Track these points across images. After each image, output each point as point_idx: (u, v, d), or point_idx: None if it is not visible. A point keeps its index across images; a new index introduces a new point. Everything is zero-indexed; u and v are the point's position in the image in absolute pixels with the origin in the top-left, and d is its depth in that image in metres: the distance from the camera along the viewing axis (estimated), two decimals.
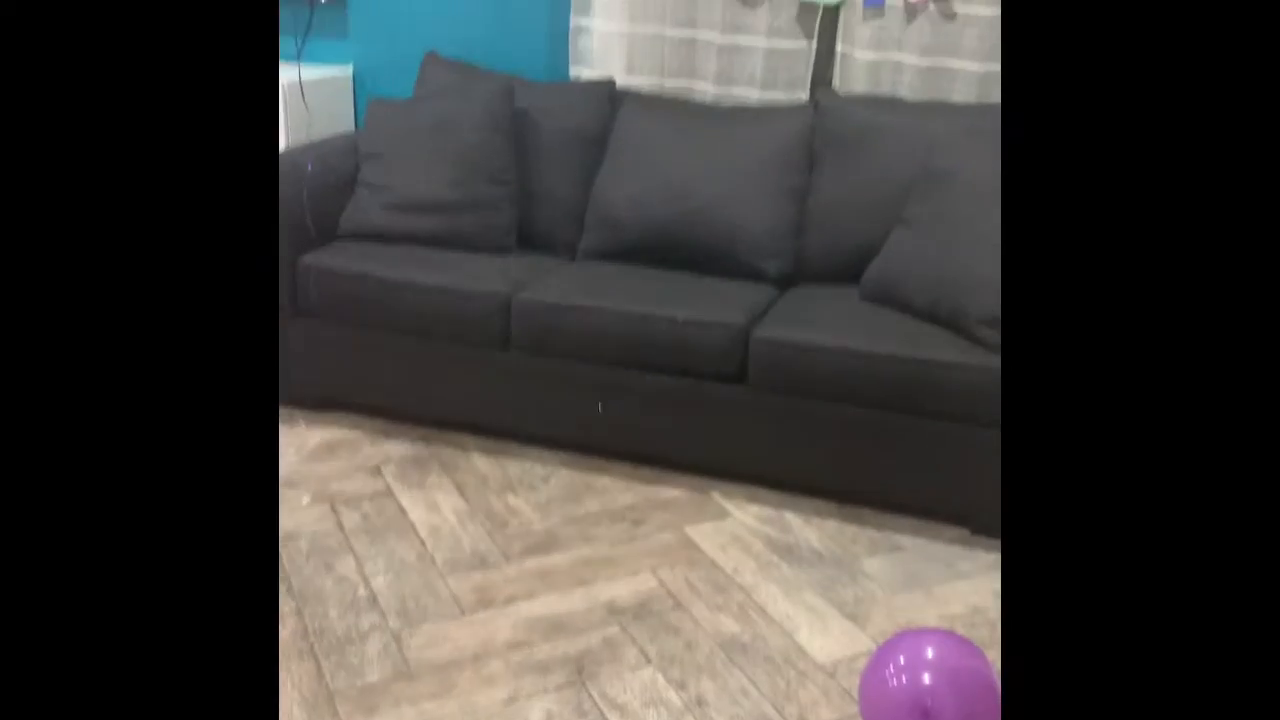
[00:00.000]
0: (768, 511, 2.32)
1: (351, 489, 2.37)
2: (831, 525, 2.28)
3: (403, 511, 2.28)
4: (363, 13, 3.18)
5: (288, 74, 2.99)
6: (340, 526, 2.21)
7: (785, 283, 2.61)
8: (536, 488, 2.40)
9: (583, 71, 2.96)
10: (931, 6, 2.64)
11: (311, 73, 3.10)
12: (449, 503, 2.32)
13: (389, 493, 2.36)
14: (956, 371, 2.14)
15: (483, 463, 2.50)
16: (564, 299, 2.42)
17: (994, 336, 2.16)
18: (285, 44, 3.24)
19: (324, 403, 2.70)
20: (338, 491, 2.35)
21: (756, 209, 2.58)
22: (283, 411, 2.70)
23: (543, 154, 2.79)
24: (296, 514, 2.25)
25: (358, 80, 3.25)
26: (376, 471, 2.45)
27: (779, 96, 2.81)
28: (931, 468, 2.21)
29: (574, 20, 2.93)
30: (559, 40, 3.01)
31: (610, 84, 2.85)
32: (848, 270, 2.55)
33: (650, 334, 2.35)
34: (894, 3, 2.66)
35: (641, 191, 2.66)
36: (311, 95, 3.05)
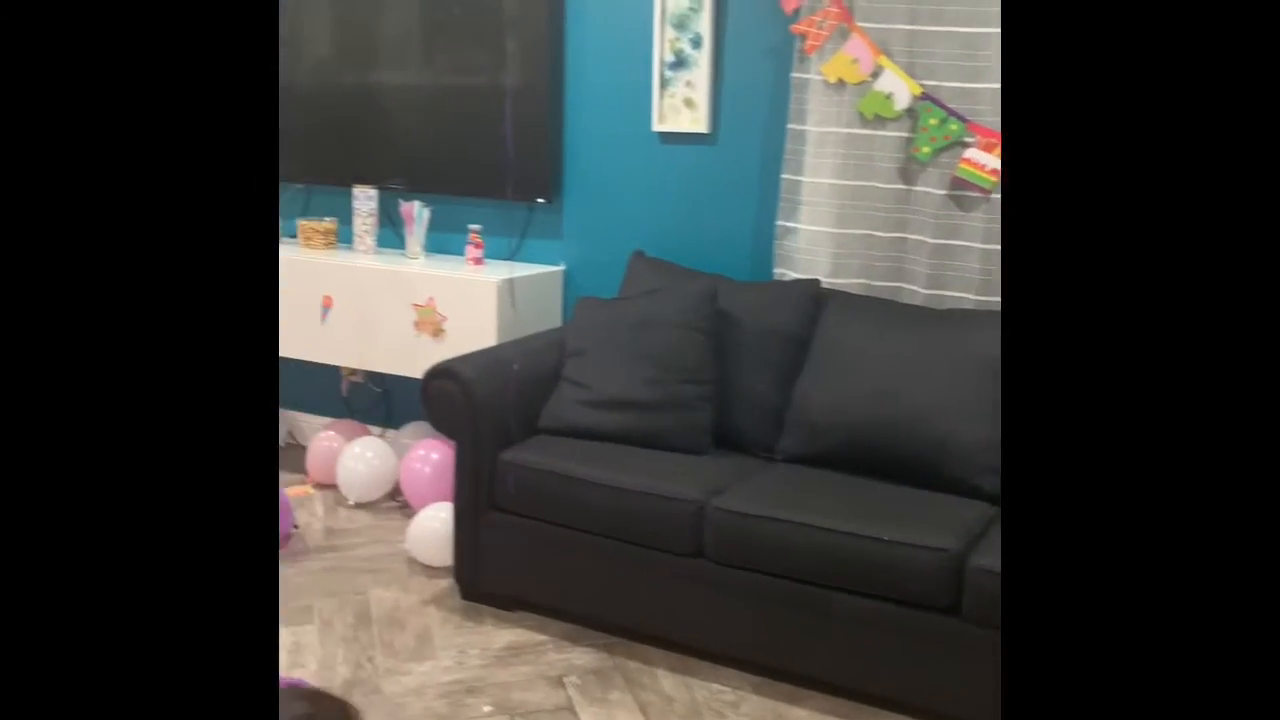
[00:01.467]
0: None
1: (534, 700, 2.27)
2: None
3: None
4: (576, 215, 3.31)
5: (502, 272, 3.13)
6: None
7: None
8: (725, 715, 2.22)
9: (787, 273, 2.93)
10: None
11: (525, 271, 3.23)
12: None
13: (570, 708, 2.24)
14: None
15: (668, 681, 2.35)
16: (761, 509, 2.30)
17: None
18: (502, 245, 3.41)
19: (512, 601, 2.66)
20: (520, 702, 2.26)
21: (970, 419, 2.40)
22: (471, 608, 2.67)
23: (744, 354, 2.74)
24: None
25: (569, 279, 3.35)
26: (559, 683, 2.34)
27: (995, 301, 2.67)
28: None
29: (780, 221, 2.93)
30: (764, 240, 3.00)
31: (815, 283, 2.80)
32: None
33: (854, 552, 2.18)
34: None
35: (844, 395, 2.55)
36: (525, 292, 3.16)
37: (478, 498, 2.61)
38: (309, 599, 2.68)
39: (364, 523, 3.21)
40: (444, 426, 2.65)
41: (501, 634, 2.55)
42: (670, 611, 2.42)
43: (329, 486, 3.39)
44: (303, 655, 2.40)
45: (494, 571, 2.63)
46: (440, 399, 2.62)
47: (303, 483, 3.49)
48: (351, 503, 3.31)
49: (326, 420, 3.76)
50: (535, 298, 3.22)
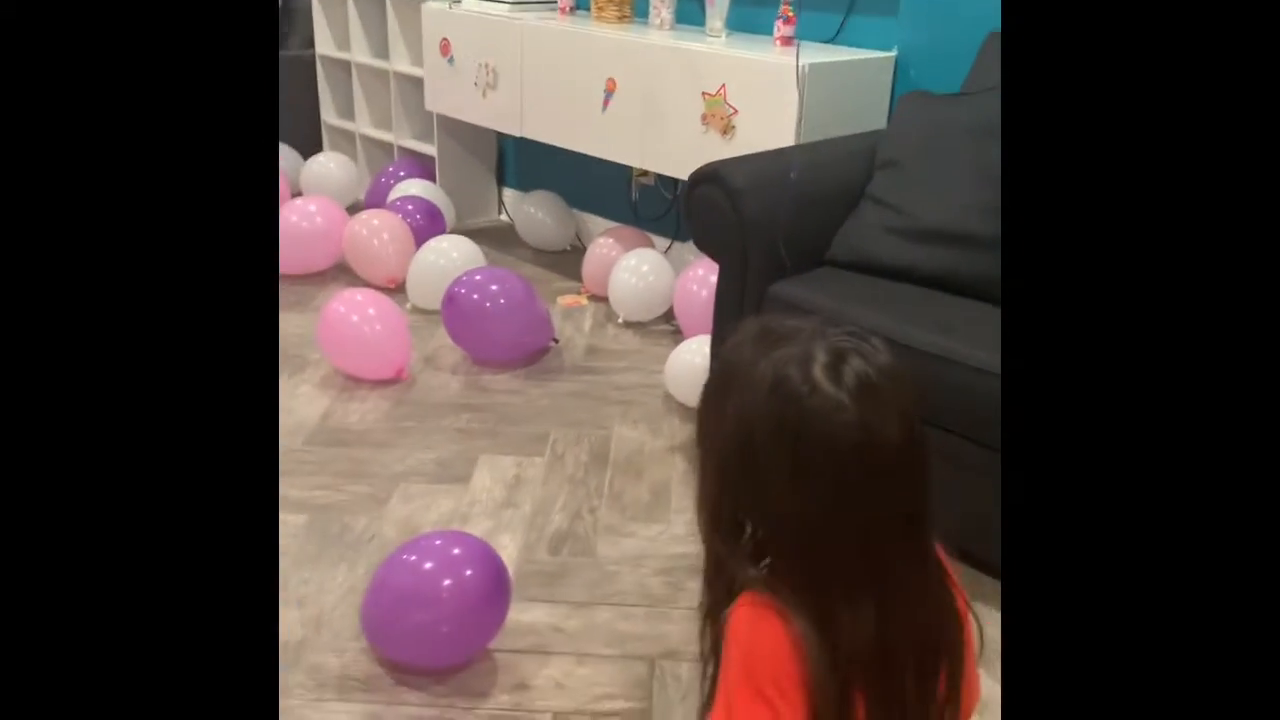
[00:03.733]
0: None
1: None
2: None
3: None
4: None
5: (813, 55, 2.47)
6: None
7: None
8: None
9: None
10: None
11: (843, 55, 2.55)
12: None
13: None
14: None
15: None
16: None
17: None
18: (825, 23, 2.73)
19: None
20: None
21: None
22: None
23: None
24: None
25: (901, 69, 2.62)
26: None
27: None
28: None
29: None
30: None
31: None
32: None
33: None
34: None
35: None
36: (841, 83, 2.50)
37: None
38: (547, 425, 2.36)
39: (630, 345, 2.83)
40: (708, 245, 2.14)
41: None
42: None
43: (603, 299, 3.03)
44: (519, 493, 2.09)
45: None
46: (703, 210, 2.09)
47: (578, 291, 3.17)
48: (620, 320, 2.94)
49: (614, 225, 3.38)
50: (855, 91, 2.55)
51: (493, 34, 3.13)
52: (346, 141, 4.05)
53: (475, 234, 3.67)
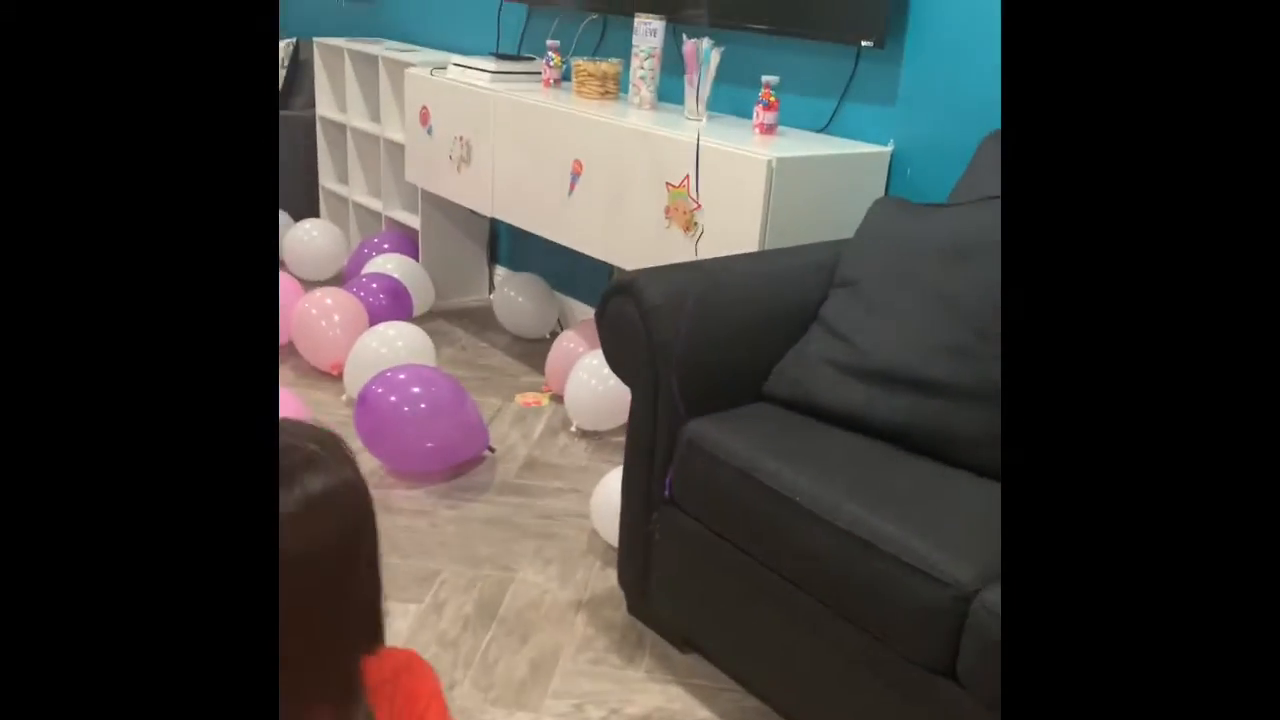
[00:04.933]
0: None
1: None
2: None
3: None
4: (920, 68, 2.19)
5: (791, 147, 2.14)
6: None
7: None
8: None
9: None
10: None
11: (830, 148, 2.20)
12: None
13: None
14: None
15: None
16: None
17: None
18: (816, 109, 2.39)
19: (683, 639, 1.81)
20: None
21: None
22: (632, 629, 1.86)
23: None
24: None
25: (897, 166, 2.27)
26: None
27: None
28: None
29: None
30: None
31: None
32: None
33: None
34: None
35: None
36: (824, 180, 2.15)
37: (650, 480, 1.76)
38: (441, 561, 2.03)
39: (576, 459, 2.49)
40: (619, 368, 1.80)
41: (651, 690, 1.71)
42: None
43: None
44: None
45: (665, 590, 1.78)
46: (614, 327, 1.76)
47: (540, 388, 2.85)
48: (574, 428, 2.61)
49: (591, 316, 3.07)
50: (840, 189, 2.19)
51: (469, 105, 2.88)
52: (343, 207, 3.84)
53: (457, 315, 3.41)
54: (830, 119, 2.37)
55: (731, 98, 2.53)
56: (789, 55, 2.43)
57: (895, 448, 1.62)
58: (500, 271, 3.58)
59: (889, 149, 2.26)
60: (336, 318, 2.83)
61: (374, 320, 2.93)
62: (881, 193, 2.26)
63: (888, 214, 1.85)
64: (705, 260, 1.88)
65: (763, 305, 1.80)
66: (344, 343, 2.78)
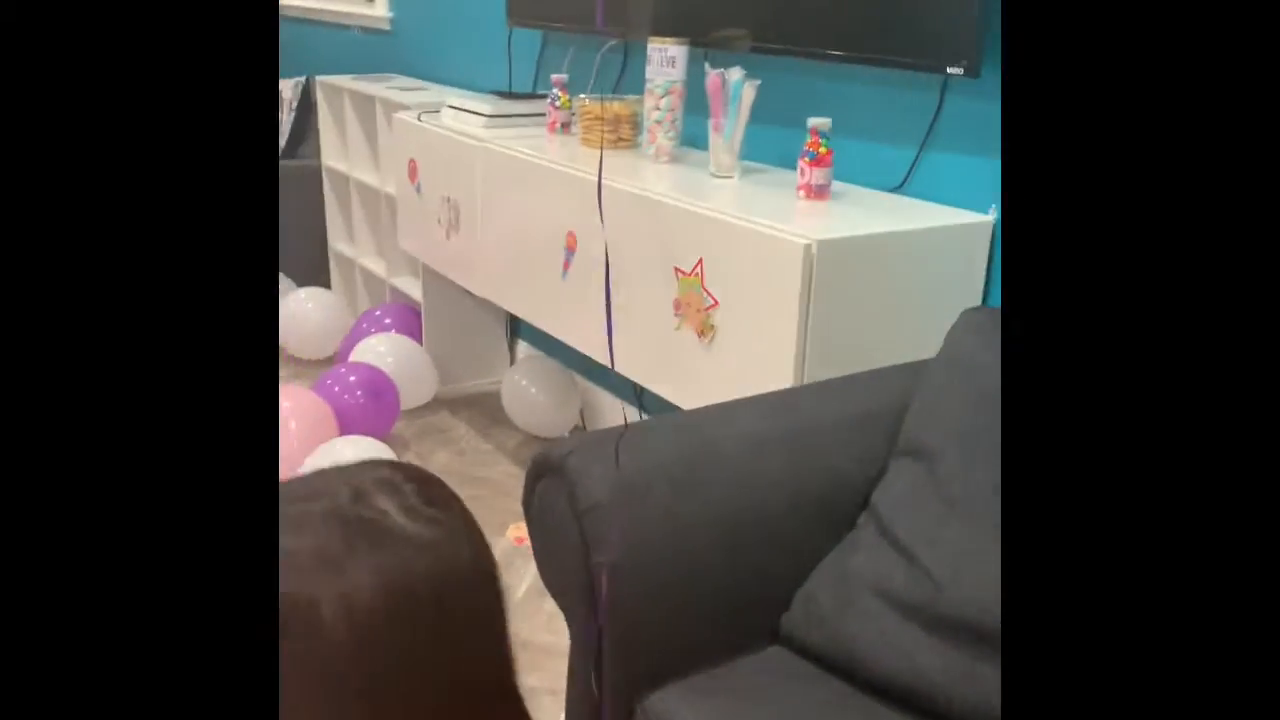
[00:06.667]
0: None
1: None
2: None
3: None
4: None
5: (847, 219, 1.48)
6: None
7: None
8: None
9: None
10: None
11: (894, 223, 1.54)
12: None
13: None
14: None
15: None
16: None
17: None
18: (886, 159, 1.73)
19: None
20: None
21: None
22: None
23: None
24: None
25: (999, 240, 1.58)
26: None
27: None
28: None
29: None
30: None
31: None
32: None
33: None
34: None
35: None
36: (890, 268, 1.49)
37: None
38: None
39: (562, 641, 1.86)
40: (553, 587, 1.18)
41: None
42: None
43: None
44: None
45: None
46: (544, 529, 1.14)
47: None
48: None
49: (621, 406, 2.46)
50: (917, 279, 1.53)
51: (456, 158, 2.31)
52: (351, 270, 3.33)
53: (465, 403, 2.86)
54: (907, 175, 1.70)
55: (778, 142, 1.89)
56: (850, 87, 1.77)
57: None
58: (522, 349, 3.00)
59: (991, 218, 1.58)
60: (293, 425, 2.28)
61: (346, 425, 2.39)
62: (979, 287, 1.58)
63: (984, 335, 1.18)
64: (689, 414, 1.24)
65: (781, 490, 1.15)
66: (297, 459, 2.23)
